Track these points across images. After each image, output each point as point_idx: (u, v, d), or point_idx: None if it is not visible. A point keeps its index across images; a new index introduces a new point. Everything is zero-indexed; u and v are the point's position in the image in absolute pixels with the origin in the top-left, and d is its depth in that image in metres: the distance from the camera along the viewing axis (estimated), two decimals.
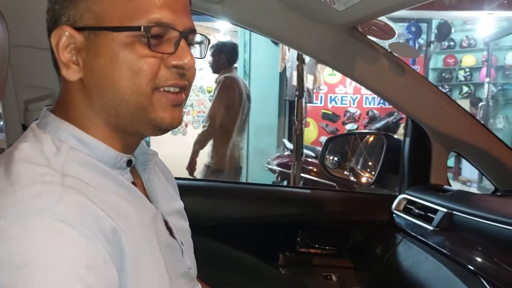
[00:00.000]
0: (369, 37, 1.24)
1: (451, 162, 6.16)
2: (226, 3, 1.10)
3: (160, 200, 0.74)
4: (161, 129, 0.66)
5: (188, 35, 0.65)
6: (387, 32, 1.22)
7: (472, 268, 0.98)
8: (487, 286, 0.90)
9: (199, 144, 3.48)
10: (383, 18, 1.18)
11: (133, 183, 0.69)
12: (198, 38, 0.70)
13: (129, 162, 0.69)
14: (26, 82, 1.07)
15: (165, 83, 0.63)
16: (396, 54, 1.28)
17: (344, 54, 1.23)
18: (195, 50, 0.70)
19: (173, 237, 0.74)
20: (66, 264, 0.49)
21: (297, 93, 3.47)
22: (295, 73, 4.74)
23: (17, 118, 1.08)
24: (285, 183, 4.36)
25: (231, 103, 3.44)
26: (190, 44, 0.67)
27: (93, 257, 0.52)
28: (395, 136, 1.62)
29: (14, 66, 1.00)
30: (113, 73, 0.61)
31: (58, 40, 0.63)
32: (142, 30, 0.60)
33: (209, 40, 0.73)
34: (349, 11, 0.98)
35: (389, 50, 1.26)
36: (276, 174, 4.47)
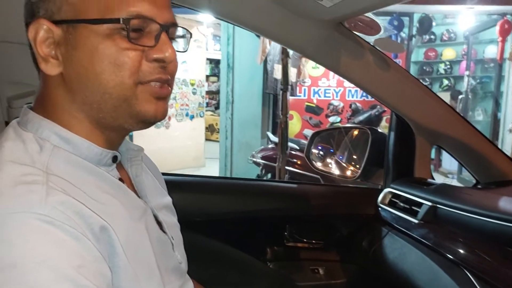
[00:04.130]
0: (355, 32, 1.25)
1: (431, 154, 6.26)
2: None
3: (148, 195, 0.74)
4: (145, 122, 0.65)
5: (168, 28, 0.65)
6: (373, 28, 1.23)
7: (455, 259, 1.00)
8: (470, 277, 0.93)
9: None
10: (369, 14, 1.19)
11: (120, 179, 0.69)
12: (179, 31, 0.70)
13: (115, 159, 0.68)
14: (9, 79, 1.04)
15: (148, 78, 0.63)
16: (381, 50, 1.29)
17: (330, 50, 1.23)
18: (177, 44, 0.69)
19: (163, 231, 0.74)
20: (54, 265, 0.49)
21: (281, 86, 3.48)
22: (276, 66, 4.75)
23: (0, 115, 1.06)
24: (269, 176, 4.38)
25: None
26: (171, 38, 0.66)
27: (82, 256, 0.51)
28: (380, 130, 1.64)
29: None
30: (94, 66, 0.60)
31: (35, 34, 0.61)
32: (121, 22, 0.59)
33: (191, 34, 0.72)
34: (336, 7, 0.99)
35: (374, 46, 1.27)
36: (261, 167, 4.49)
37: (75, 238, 0.52)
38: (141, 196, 0.72)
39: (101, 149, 0.65)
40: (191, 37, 0.72)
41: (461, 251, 1.05)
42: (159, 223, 0.74)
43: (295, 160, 4.16)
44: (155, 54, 0.63)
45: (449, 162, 6.41)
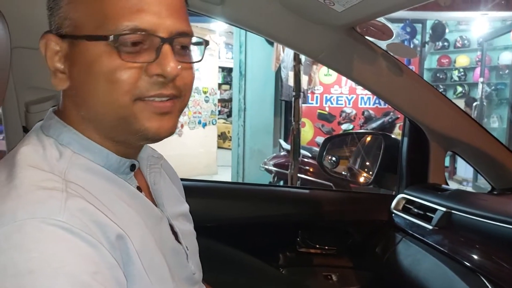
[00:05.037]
0: (367, 37, 1.25)
1: (446, 161, 6.19)
2: (226, 4, 1.11)
3: (165, 203, 0.74)
4: (148, 139, 0.63)
5: (173, 40, 0.60)
6: (385, 33, 1.22)
7: (471, 266, 0.99)
8: (486, 284, 0.91)
9: None
10: (381, 19, 1.19)
11: (138, 187, 0.69)
12: (193, 40, 0.65)
13: (133, 167, 0.68)
14: (28, 84, 1.06)
15: (147, 94, 0.59)
16: (393, 55, 1.29)
17: (343, 55, 1.23)
18: (190, 53, 0.65)
19: (179, 241, 0.74)
20: (71, 271, 0.49)
21: (293, 93, 3.48)
22: (290, 74, 4.76)
23: (17, 120, 1.08)
24: (281, 183, 4.38)
25: None
26: (184, 47, 0.63)
27: (97, 263, 0.52)
28: (393, 136, 1.63)
29: (15, 68, 1.00)
30: (89, 83, 0.59)
31: (45, 48, 0.62)
32: (111, 39, 0.57)
33: (206, 42, 0.67)
34: (348, 12, 0.99)
35: (386, 51, 1.27)
36: (273, 175, 4.48)
37: (92, 245, 0.52)
38: (158, 204, 0.72)
39: (119, 158, 0.65)
40: (207, 45, 0.68)
41: (477, 257, 1.03)
42: (174, 234, 0.73)
43: (307, 168, 4.15)
44: (155, 69, 0.59)
45: (464, 169, 6.33)
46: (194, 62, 0.65)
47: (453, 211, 1.15)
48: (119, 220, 0.58)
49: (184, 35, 0.62)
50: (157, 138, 0.63)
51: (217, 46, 7.40)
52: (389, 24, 1.22)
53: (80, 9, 0.59)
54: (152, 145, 0.77)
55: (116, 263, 0.55)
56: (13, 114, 1.07)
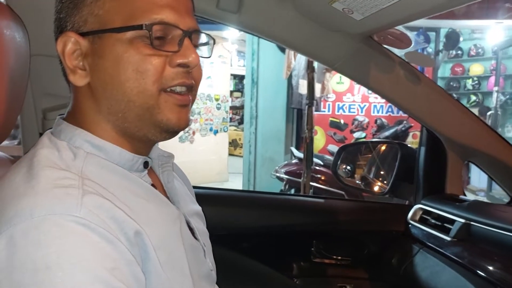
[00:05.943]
0: (385, 46, 1.24)
1: None
2: (243, 12, 1.11)
3: (181, 201, 0.75)
4: (168, 131, 0.66)
5: (191, 34, 0.66)
6: (403, 41, 1.22)
7: (492, 279, 0.96)
8: None
9: None
10: (399, 27, 1.18)
11: (152, 185, 0.69)
12: (203, 39, 0.71)
13: (146, 164, 0.69)
14: (45, 91, 1.07)
15: (171, 83, 0.63)
16: (411, 63, 1.27)
17: (360, 63, 1.22)
18: (200, 52, 0.70)
19: (196, 238, 0.74)
20: (88, 267, 0.49)
21: (306, 101, 3.47)
22: (301, 81, 4.75)
23: (35, 126, 1.08)
24: (292, 191, 4.36)
25: None
26: (195, 44, 0.67)
27: (115, 259, 0.52)
28: (409, 145, 1.61)
29: (33, 75, 1.00)
30: (119, 74, 0.61)
31: (63, 47, 0.63)
32: (144, 28, 0.61)
33: (214, 40, 0.73)
34: (366, 20, 0.98)
35: (404, 59, 1.26)
36: (284, 182, 4.46)
37: (109, 241, 0.52)
38: (173, 202, 0.73)
39: (132, 155, 0.66)
40: (214, 43, 0.73)
41: (497, 270, 1.01)
42: (191, 230, 0.74)
43: (319, 176, 4.13)
44: (179, 59, 0.63)
45: (477, 179, 6.24)
46: (206, 57, 0.72)
47: (472, 223, 1.13)
48: (137, 216, 0.59)
49: (197, 33, 0.68)
50: (177, 130, 0.66)
51: (229, 54, 7.43)
52: (407, 32, 1.21)
53: (108, 5, 0.62)
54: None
55: (134, 259, 0.55)
56: (31, 120, 1.08)
